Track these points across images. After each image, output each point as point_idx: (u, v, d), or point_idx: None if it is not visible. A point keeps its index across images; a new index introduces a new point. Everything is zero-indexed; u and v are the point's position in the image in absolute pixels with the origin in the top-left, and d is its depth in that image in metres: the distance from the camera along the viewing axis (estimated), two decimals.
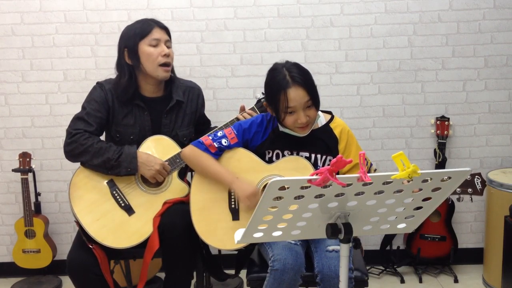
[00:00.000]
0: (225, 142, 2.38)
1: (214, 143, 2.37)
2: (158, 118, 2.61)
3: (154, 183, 2.53)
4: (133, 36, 2.53)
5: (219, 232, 2.33)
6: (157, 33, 2.53)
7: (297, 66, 2.29)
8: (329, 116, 2.45)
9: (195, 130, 2.72)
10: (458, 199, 2.31)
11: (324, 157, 2.37)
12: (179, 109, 2.64)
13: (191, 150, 2.41)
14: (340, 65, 3.40)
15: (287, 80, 2.22)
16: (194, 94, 2.71)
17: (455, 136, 3.47)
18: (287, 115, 2.26)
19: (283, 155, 2.37)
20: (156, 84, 2.60)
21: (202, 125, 2.80)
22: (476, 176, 2.29)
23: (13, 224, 3.42)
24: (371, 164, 2.38)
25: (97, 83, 2.62)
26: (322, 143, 2.37)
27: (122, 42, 2.57)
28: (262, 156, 2.39)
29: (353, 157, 2.33)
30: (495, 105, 3.45)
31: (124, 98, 2.56)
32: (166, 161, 2.54)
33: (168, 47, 2.57)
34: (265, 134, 2.40)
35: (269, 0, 3.33)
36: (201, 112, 2.76)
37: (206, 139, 2.39)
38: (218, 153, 2.38)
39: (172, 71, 2.63)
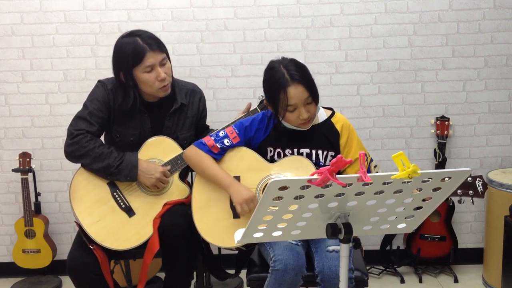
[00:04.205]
0: (228, 142, 2.38)
1: (217, 144, 2.37)
2: (158, 120, 2.60)
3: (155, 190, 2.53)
4: (126, 62, 2.44)
5: (219, 229, 2.33)
6: (150, 58, 2.42)
7: (294, 62, 2.29)
8: (330, 112, 2.45)
9: (195, 134, 2.71)
10: (459, 201, 2.31)
11: (325, 152, 2.37)
12: (181, 112, 2.63)
13: (193, 151, 2.41)
14: (340, 65, 3.40)
15: (286, 78, 2.22)
16: (195, 97, 2.69)
17: (455, 136, 3.47)
18: (288, 113, 2.27)
19: (285, 154, 2.37)
20: None
21: (201, 129, 2.76)
22: (478, 179, 2.29)
23: (13, 224, 3.42)
24: (371, 160, 2.37)
25: (99, 81, 2.59)
26: (323, 138, 2.38)
27: (116, 64, 2.49)
28: (264, 153, 2.39)
29: (354, 152, 2.35)
30: (495, 105, 3.44)
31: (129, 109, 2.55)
32: (168, 162, 2.54)
33: (164, 64, 2.48)
34: (267, 131, 2.40)
35: (269, 0, 3.33)
36: (202, 115, 2.73)
37: (208, 140, 2.39)
38: (221, 153, 2.38)
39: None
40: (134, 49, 2.43)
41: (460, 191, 2.29)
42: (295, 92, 2.22)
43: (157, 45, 2.47)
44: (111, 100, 2.54)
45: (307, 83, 2.25)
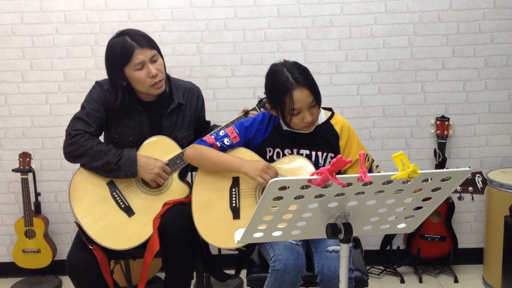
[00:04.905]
0: (228, 142, 2.38)
1: (217, 142, 2.38)
2: (157, 120, 2.59)
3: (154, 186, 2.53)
4: (116, 63, 2.44)
5: (219, 231, 2.33)
6: (139, 55, 2.41)
7: (297, 65, 2.28)
8: (329, 113, 2.45)
9: (194, 132, 2.71)
10: (459, 198, 2.31)
11: (325, 154, 2.37)
12: (179, 111, 2.63)
13: (194, 148, 2.41)
14: (340, 65, 3.40)
15: (291, 82, 2.21)
16: (193, 95, 2.69)
17: (455, 136, 3.47)
18: (293, 116, 2.26)
19: (284, 154, 2.37)
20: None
21: (202, 126, 2.77)
22: (477, 175, 2.29)
23: (13, 224, 3.42)
24: (372, 160, 2.37)
25: (96, 82, 2.60)
26: (323, 140, 2.37)
27: (108, 65, 2.49)
28: (263, 154, 2.39)
29: (354, 154, 2.34)
30: (495, 105, 3.44)
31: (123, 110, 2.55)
32: (167, 162, 2.54)
33: (155, 61, 2.46)
34: (267, 132, 2.40)
35: (269, 0, 3.33)
36: (200, 113, 2.74)
37: (208, 138, 2.41)
38: (220, 151, 2.38)
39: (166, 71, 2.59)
40: (122, 47, 2.42)
41: (459, 188, 2.28)
42: (301, 96, 2.21)
43: (146, 41, 2.45)
44: (108, 101, 2.54)
45: (311, 86, 2.24)
